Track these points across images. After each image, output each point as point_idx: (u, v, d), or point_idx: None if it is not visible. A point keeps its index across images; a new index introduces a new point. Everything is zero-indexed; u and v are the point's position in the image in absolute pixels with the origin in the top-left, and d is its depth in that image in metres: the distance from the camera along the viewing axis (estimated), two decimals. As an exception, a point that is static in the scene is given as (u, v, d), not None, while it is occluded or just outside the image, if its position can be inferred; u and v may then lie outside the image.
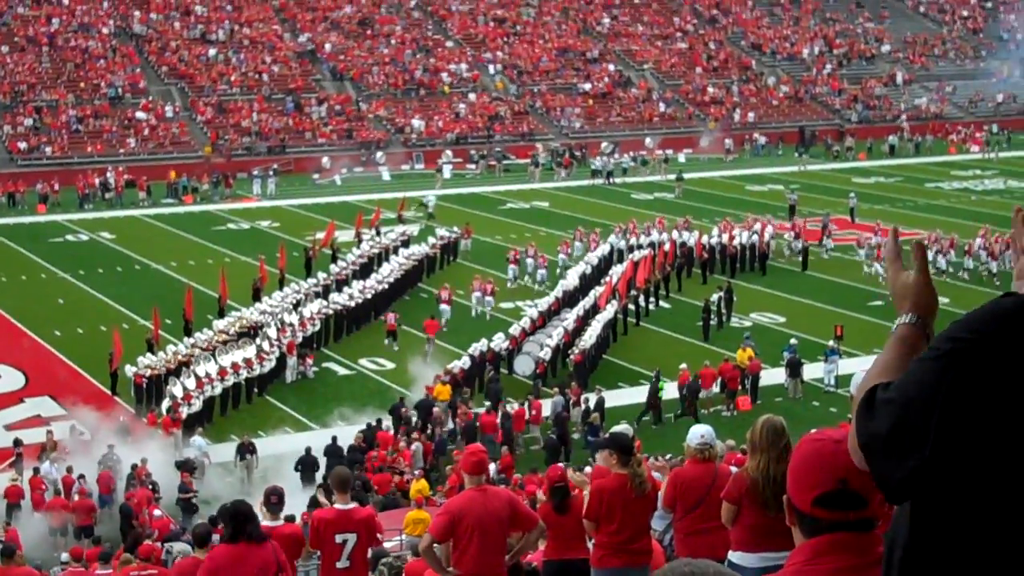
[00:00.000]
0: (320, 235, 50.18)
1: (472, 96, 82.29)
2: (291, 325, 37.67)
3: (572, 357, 36.02)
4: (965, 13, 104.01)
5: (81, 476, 27.76)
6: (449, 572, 9.20)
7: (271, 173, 68.01)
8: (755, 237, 48.71)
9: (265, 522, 10.24)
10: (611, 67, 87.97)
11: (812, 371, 35.65)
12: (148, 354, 35.38)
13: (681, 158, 74.64)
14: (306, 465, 29.27)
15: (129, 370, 34.37)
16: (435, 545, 9.28)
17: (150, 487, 27.56)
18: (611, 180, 68.80)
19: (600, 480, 10.21)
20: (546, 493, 11.64)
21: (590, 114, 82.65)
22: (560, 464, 16.86)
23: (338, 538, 10.75)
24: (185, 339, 37.21)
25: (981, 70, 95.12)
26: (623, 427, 15.60)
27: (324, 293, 42.07)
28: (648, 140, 78.48)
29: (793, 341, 36.33)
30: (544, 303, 40.50)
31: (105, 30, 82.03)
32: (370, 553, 11.82)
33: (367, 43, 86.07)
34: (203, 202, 64.74)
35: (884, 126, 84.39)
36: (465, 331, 39.49)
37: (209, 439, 31.28)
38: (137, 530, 23.31)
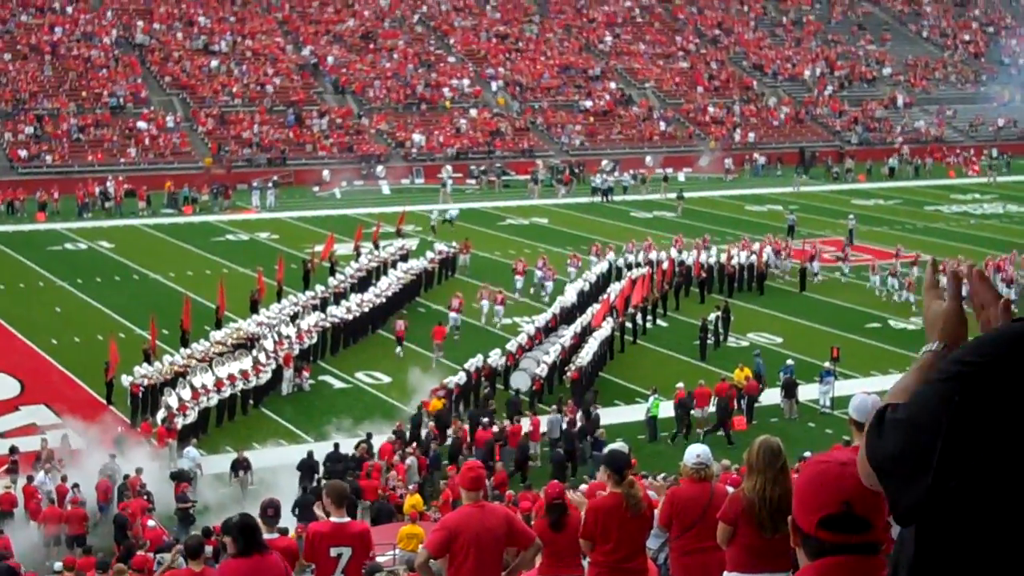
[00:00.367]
0: (319, 248, 50.18)
1: (473, 112, 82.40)
2: (288, 337, 37.66)
3: (569, 374, 36.01)
4: (967, 37, 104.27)
5: (75, 485, 27.69)
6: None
7: (271, 185, 68.05)
8: (753, 257, 48.75)
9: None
10: (612, 85, 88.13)
11: (808, 392, 35.64)
12: (144, 364, 35.36)
13: (681, 177, 74.68)
14: (306, 468, 29.36)
15: (125, 380, 34.33)
16: (431, 561, 9.24)
17: (145, 497, 27.50)
18: (608, 198, 68.83)
19: (596, 499, 10.18)
20: (542, 510, 11.62)
21: (591, 132, 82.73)
22: (558, 481, 16.80)
23: (333, 551, 10.71)
24: (182, 350, 37.18)
25: (982, 94, 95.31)
26: (619, 445, 15.58)
27: (322, 306, 42.06)
28: (648, 158, 78.60)
29: (789, 362, 36.31)
30: (542, 319, 40.51)
31: (108, 40, 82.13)
32: (364, 568, 11.79)
33: (369, 57, 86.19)
34: (202, 213, 64.75)
35: (884, 148, 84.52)
36: (463, 346, 39.49)
37: (204, 450, 31.27)
38: (131, 540, 23.29)
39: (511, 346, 37.46)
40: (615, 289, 43.04)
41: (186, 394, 32.93)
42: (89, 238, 57.77)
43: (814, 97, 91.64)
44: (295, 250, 52.73)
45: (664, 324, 44.06)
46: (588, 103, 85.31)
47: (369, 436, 31.12)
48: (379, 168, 74.11)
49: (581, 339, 38.30)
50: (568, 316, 41.33)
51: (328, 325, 40.41)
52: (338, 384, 37.77)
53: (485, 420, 31.83)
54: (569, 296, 43.14)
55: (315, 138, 76.74)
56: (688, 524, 9.58)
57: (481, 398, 34.67)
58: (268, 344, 36.69)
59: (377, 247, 50.81)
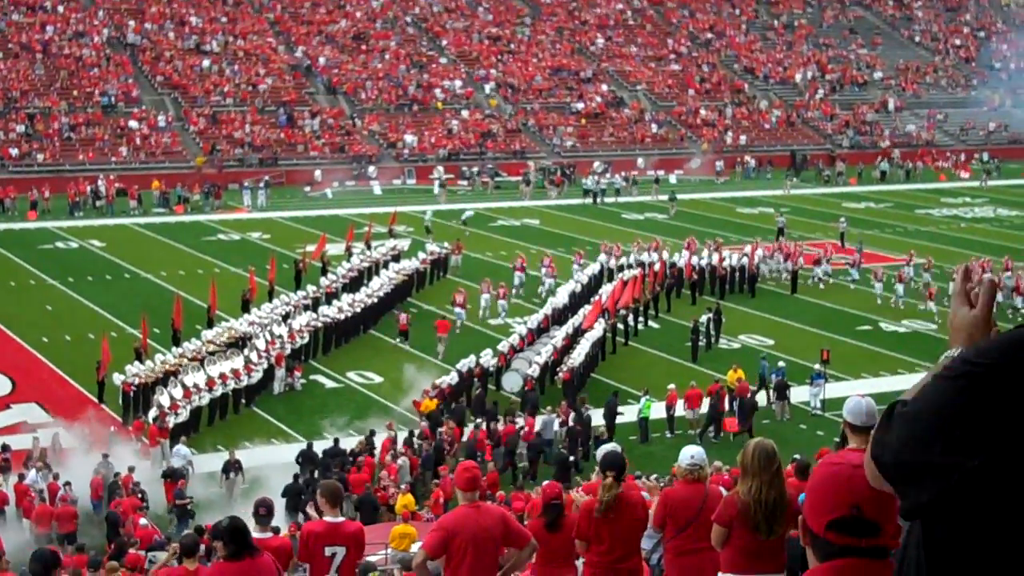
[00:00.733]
0: (311, 248, 50.16)
1: (465, 113, 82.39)
2: (280, 337, 37.66)
3: (560, 375, 36.04)
4: (958, 42, 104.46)
5: (67, 484, 27.69)
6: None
7: (262, 185, 67.99)
8: (744, 259, 48.83)
9: (254, 535, 10.20)
10: (604, 87, 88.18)
11: (798, 394, 35.69)
12: (136, 363, 35.34)
13: (672, 179, 74.72)
14: (306, 460, 29.57)
15: (117, 378, 34.30)
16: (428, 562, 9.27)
17: (139, 496, 27.53)
18: (598, 201, 68.83)
19: (590, 500, 10.22)
20: (534, 510, 11.63)
21: (582, 134, 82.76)
22: (556, 482, 16.82)
23: (327, 551, 10.71)
24: (173, 348, 37.17)
25: (972, 98, 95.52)
26: (612, 446, 15.59)
27: (313, 306, 42.05)
28: (640, 160, 78.66)
29: (781, 364, 36.36)
30: (533, 320, 40.54)
31: (99, 39, 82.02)
32: (358, 567, 11.80)
33: (361, 58, 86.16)
34: (194, 212, 64.69)
35: (875, 152, 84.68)
36: (457, 346, 39.56)
37: (195, 449, 31.23)
38: (123, 538, 23.28)
39: (503, 347, 37.48)
40: (606, 291, 43.09)
41: (178, 393, 32.92)
42: (80, 237, 57.71)
43: (805, 100, 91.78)
44: (287, 250, 52.71)
45: (655, 325, 44.10)
46: (580, 105, 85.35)
47: (372, 433, 31.23)
48: (371, 168, 74.11)
49: (573, 340, 38.32)
50: (560, 317, 41.36)
51: (320, 325, 40.41)
52: (330, 384, 37.78)
53: (504, 417, 32.16)
54: (561, 297, 43.19)
55: (307, 138, 76.73)
56: (682, 525, 9.62)
57: (473, 399, 34.68)
58: (260, 343, 36.68)
59: (369, 247, 50.80)
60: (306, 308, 41.59)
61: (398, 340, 41.23)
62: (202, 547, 15.22)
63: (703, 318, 41.51)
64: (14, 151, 70.52)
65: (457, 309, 43.02)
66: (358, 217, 60.07)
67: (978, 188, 76.30)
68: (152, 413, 32.21)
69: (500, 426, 32.18)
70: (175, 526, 26.83)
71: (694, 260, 48.16)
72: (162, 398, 32.56)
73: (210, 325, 39.95)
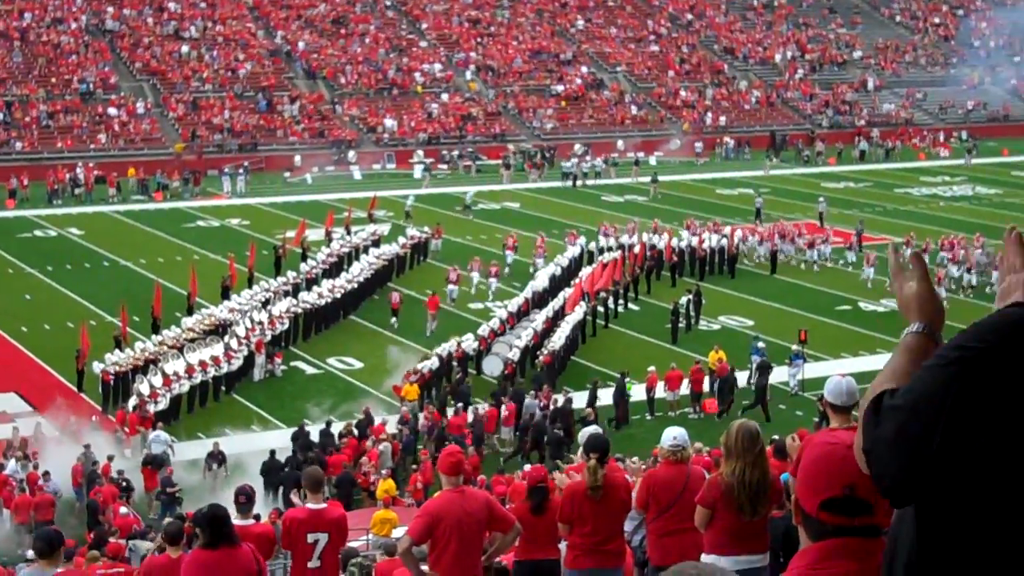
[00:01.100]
0: (290, 234, 50.02)
1: (445, 96, 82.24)
2: (260, 323, 37.58)
3: (541, 358, 36.04)
4: (937, 20, 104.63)
5: (46, 473, 27.59)
6: (426, 574, 9.18)
7: (242, 171, 67.75)
8: (724, 240, 48.88)
9: (236, 522, 10.17)
10: (584, 69, 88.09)
11: (778, 375, 35.76)
12: (116, 351, 35.22)
13: (652, 161, 74.74)
14: (304, 439, 29.88)
15: (96, 367, 34.18)
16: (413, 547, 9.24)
17: (123, 484, 27.49)
18: (577, 184, 68.73)
19: (573, 482, 10.21)
20: (515, 494, 11.62)
21: (562, 116, 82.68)
22: (541, 465, 16.84)
23: (310, 538, 10.71)
24: (153, 336, 37.05)
25: (951, 77, 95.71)
26: (594, 429, 15.58)
27: (293, 292, 41.96)
28: (620, 142, 78.64)
29: (761, 344, 36.43)
30: (514, 304, 40.54)
31: (77, 26, 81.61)
32: (341, 553, 11.78)
33: (340, 42, 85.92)
34: (173, 199, 64.47)
35: (854, 131, 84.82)
36: (441, 330, 39.58)
37: (175, 437, 31.11)
38: (103, 527, 23.21)
39: (483, 331, 37.49)
40: (586, 273, 43.11)
41: (157, 381, 32.83)
42: (59, 225, 57.48)
43: (785, 81, 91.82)
44: (266, 236, 52.56)
45: (636, 308, 44.14)
46: (560, 87, 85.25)
47: (367, 415, 31.39)
48: (351, 153, 73.91)
49: (553, 323, 38.33)
50: (540, 300, 41.36)
51: (300, 311, 40.32)
52: (310, 370, 37.72)
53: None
54: (541, 280, 43.19)
55: (286, 124, 76.47)
56: (665, 506, 9.63)
57: (453, 383, 34.66)
58: (240, 330, 36.60)
59: (349, 232, 50.71)
60: (286, 294, 41.49)
61: (393, 320, 41.49)
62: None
63: (683, 300, 41.55)
64: (-9, 139, 70.19)
65: (450, 286, 43.58)
66: (338, 202, 59.94)
67: (957, 167, 76.45)
68: (132, 401, 32.12)
69: (482, 410, 32.21)
70: (158, 513, 26.78)
71: (674, 242, 48.18)
72: (142, 386, 32.47)
73: (190, 312, 39.82)
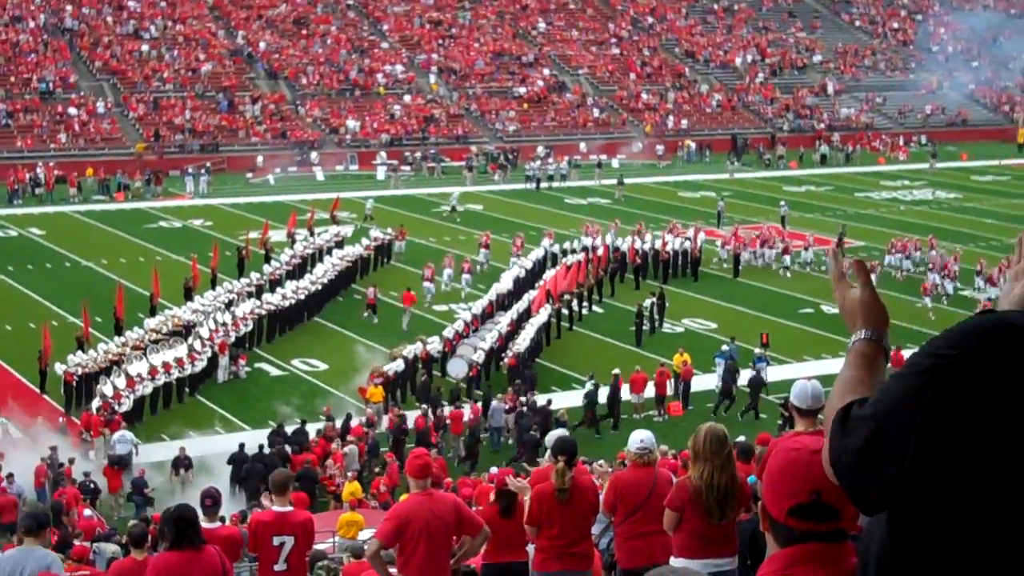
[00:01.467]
0: (253, 235, 49.88)
1: (407, 98, 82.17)
2: (224, 325, 37.46)
3: (506, 361, 36.10)
4: (896, 25, 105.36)
5: (10, 475, 27.42)
6: (394, 576, 9.22)
7: (204, 171, 67.48)
8: (688, 243, 49.04)
9: (202, 524, 10.18)
10: (546, 71, 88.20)
11: (741, 378, 35.89)
12: (79, 352, 35.06)
13: (615, 163, 74.90)
14: (277, 437, 29.96)
15: (59, 368, 34.00)
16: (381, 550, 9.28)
17: (90, 486, 27.40)
18: (539, 187, 68.74)
19: (541, 485, 10.25)
20: (481, 497, 11.66)
21: (524, 119, 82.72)
22: (509, 468, 16.90)
23: (275, 540, 10.73)
24: (116, 337, 36.88)
25: (911, 81, 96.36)
26: (562, 431, 15.67)
27: (257, 293, 41.86)
28: (582, 145, 78.78)
29: (724, 348, 36.60)
30: (478, 306, 40.57)
31: (36, 24, 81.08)
32: (307, 556, 11.79)
33: (302, 43, 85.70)
34: (135, 199, 64.16)
35: (814, 135, 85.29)
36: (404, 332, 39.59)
37: (139, 439, 30.99)
38: (66, 528, 23.11)
39: (448, 333, 37.52)
40: (550, 275, 43.19)
41: (121, 382, 32.70)
42: (20, 225, 57.11)
43: (746, 84, 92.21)
44: (229, 237, 52.40)
45: (599, 310, 44.25)
46: (522, 89, 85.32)
47: (349, 417, 31.53)
48: (313, 154, 73.75)
49: (518, 325, 38.39)
50: (505, 303, 41.41)
51: (263, 312, 40.24)
52: (274, 371, 37.65)
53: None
54: (505, 283, 43.22)
55: (248, 124, 76.23)
56: (632, 508, 9.69)
57: (419, 385, 34.68)
58: (203, 332, 36.49)
59: (312, 234, 50.63)
60: (249, 295, 41.39)
61: (366, 314, 42.06)
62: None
63: (647, 302, 41.68)
64: (-50, 139, 69.64)
65: (426, 283, 43.95)
66: (300, 203, 59.82)
67: (917, 171, 76.95)
68: (95, 403, 31.98)
69: (446, 411, 32.26)
70: (133, 514, 26.68)
71: (637, 244, 48.31)
72: (105, 388, 32.33)
73: (153, 313, 39.65)
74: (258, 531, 10.81)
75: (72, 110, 73.53)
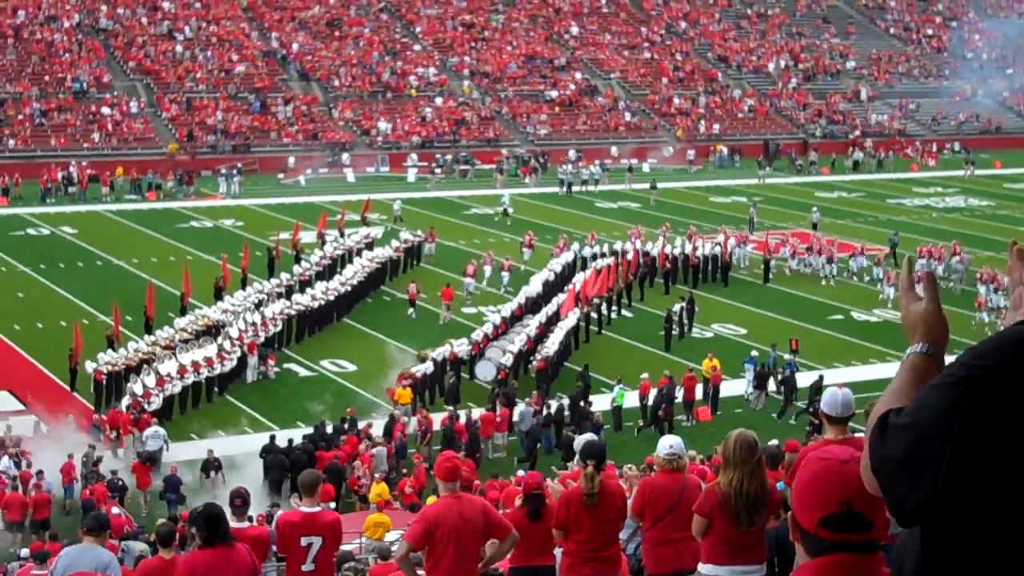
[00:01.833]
0: (284, 235, 50.01)
1: (439, 100, 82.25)
2: (253, 325, 37.55)
3: (535, 364, 36.05)
4: (930, 32, 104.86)
5: (39, 472, 27.57)
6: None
7: (236, 172, 67.73)
8: (718, 248, 48.90)
9: (231, 524, 10.20)
10: (578, 75, 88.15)
11: (770, 383, 35.79)
12: (109, 350, 35.21)
13: (645, 168, 74.77)
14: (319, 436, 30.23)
15: (89, 366, 34.15)
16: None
17: (118, 483, 27.51)
18: (571, 191, 68.63)
19: (569, 489, 10.24)
20: (508, 499, 11.64)
21: (556, 122, 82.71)
22: (537, 471, 16.89)
23: (303, 541, 10.72)
24: (146, 336, 37.05)
25: (944, 88, 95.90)
26: (591, 436, 15.64)
27: (287, 294, 41.96)
28: (614, 149, 78.68)
29: (754, 353, 36.51)
30: (507, 309, 40.55)
31: (71, 24, 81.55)
32: (335, 557, 11.81)
33: (335, 44, 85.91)
34: (167, 199, 64.44)
35: (847, 141, 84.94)
36: (433, 335, 39.59)
37: (169, 438, 31.09)
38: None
39: (477, 335, 37.50)
40: (580, 279, 43.13)
41: (150, 381, 32.82)
42: (52, 223, 57.44)
43: (778, 89, 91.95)
44: (260, 237, 52.56)
45: (629, 314, 44.17)
46: (553, 93, 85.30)
47: (392, 418, 31.54)
48: (344, 156, 73.92)
49: (547, 329, 38.35)
50: (534, 306, 41.38)
51: (293, 313, 40.33)
52: (303, 372, 37.72)
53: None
54: (535, 286, 43.18)
55: (280, 125, 76.47)
56: (661, 514, 9.65)
57: (447, 387, 34.69)
58: (233, 331, 36.59)
59: (342, 235, 50.73)
60: (279, 296, 41.50)
61: (411, 311, 42.84)
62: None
63: (676, 307, 41.59)
64: (-15, 137, 70.09)
65: (467, 279, 44.64)
66: (331, 205, 59.94)
67: (950, 178, 76.54)
68: (125, 401, 32.11)
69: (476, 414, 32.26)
70: (163, 511, 26.77)
71: (667, 249, 48.22)
72: (135, 386, 32.46)
73: (183, 313, 39.83)
74: (286, 531, 10.81)
75: (105, 110, 73.91)
